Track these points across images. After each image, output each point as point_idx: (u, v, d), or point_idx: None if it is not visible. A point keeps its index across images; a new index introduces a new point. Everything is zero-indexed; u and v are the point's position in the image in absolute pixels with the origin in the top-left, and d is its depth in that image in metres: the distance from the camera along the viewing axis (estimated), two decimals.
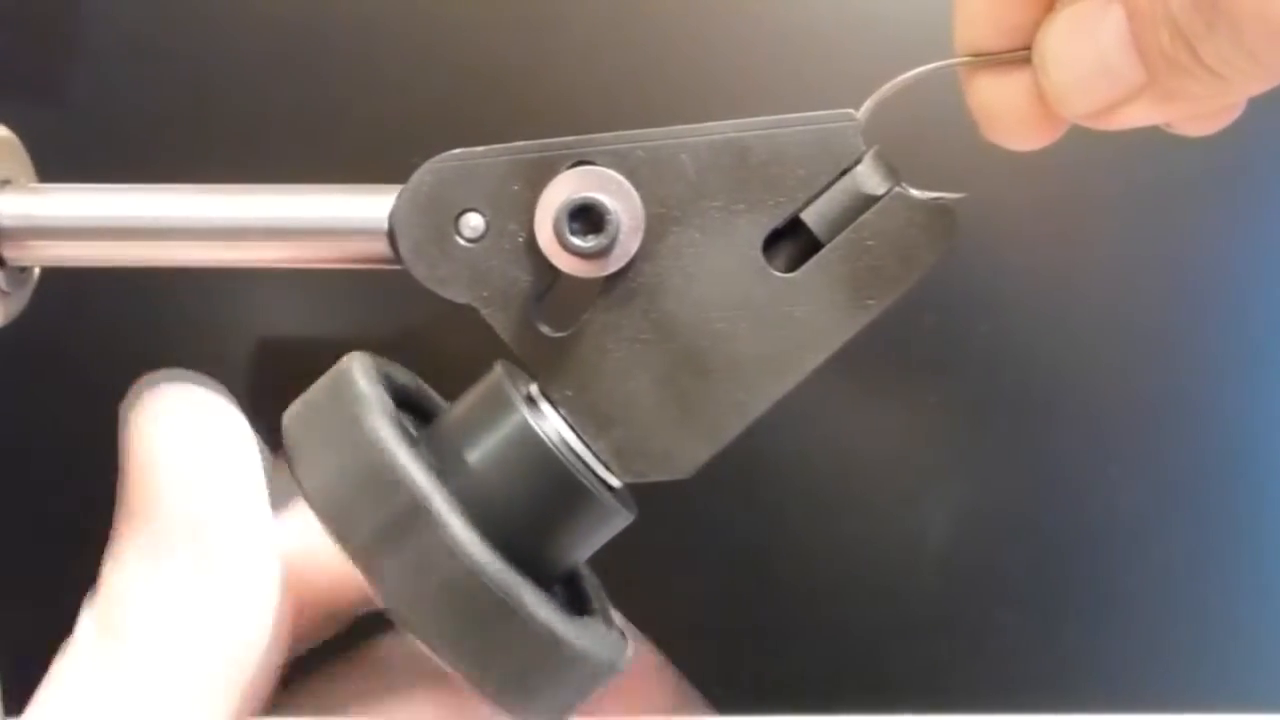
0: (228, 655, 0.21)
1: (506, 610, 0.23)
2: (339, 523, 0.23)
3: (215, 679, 0.21)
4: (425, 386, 0.28)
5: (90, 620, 0.22)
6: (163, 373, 0.23)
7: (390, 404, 0.25)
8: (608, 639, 0.25)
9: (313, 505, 0.24)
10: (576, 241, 0.24)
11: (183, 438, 0.22)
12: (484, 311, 0.25)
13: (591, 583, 0.29)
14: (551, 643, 0.23)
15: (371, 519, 0.23)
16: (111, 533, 0.22)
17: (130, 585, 0.22)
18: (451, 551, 0.23)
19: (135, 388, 0.23)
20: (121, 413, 0.22)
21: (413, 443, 0.25)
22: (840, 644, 0.42)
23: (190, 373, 0.24)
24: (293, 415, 0.25)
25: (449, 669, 0.23)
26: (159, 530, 0.22)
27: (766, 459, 0.41)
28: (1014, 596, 0.42)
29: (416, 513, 0.23)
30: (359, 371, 0.25)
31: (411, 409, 0.27)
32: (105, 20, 0.39)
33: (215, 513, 0.22)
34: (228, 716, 0.21)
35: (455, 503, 0.23)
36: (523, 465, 0.24)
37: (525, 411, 0.25)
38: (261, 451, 0.24)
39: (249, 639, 0.22)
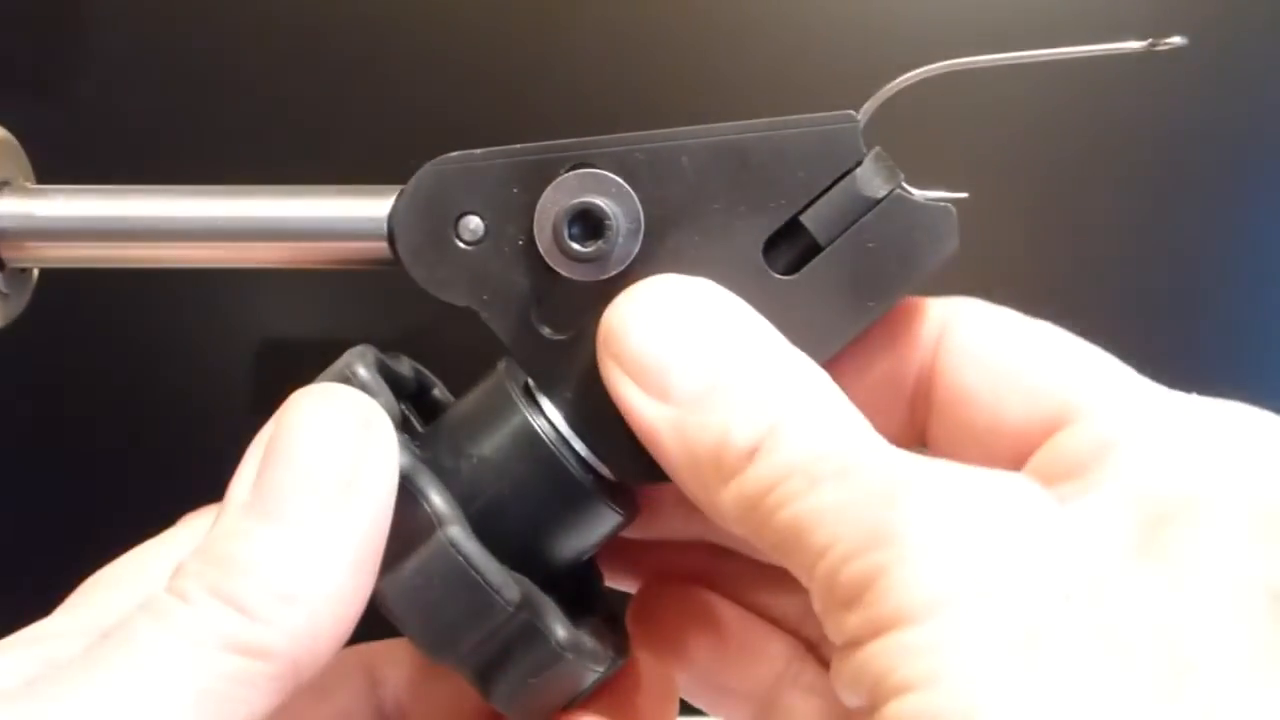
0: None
1: (486, 599, 0.23)
2: None
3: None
4: (428, 374, 0.28)
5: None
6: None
7: (393, 400, 0.25)
8: (602, 641, 0.26)
9: None
10: (576, 247, 0.24)
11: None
12: (483, 314, 0.25)
13: (599, 584, 0.29)
14: (537, 638, 0.23)
15: None
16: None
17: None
18: (433, 531, 0.23)
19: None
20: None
21: (414, 437, 0.25)
22: None
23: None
24: None
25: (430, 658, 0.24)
26: None
27: None
28: None
29: (410, 504, 0.23)
30: (361, 368, 0.24)
31: (414, 400, 0.27)
32: (105, 22, 0.39)
33: None
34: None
35: (450, 497, 0.23)
36: (522, 463, 0.24)
37: (526, 411, 0.25)
38: None
39: None
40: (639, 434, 0.23)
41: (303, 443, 0.22)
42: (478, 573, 0.23)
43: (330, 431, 0.22)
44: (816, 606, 0.20)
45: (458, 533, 0.23)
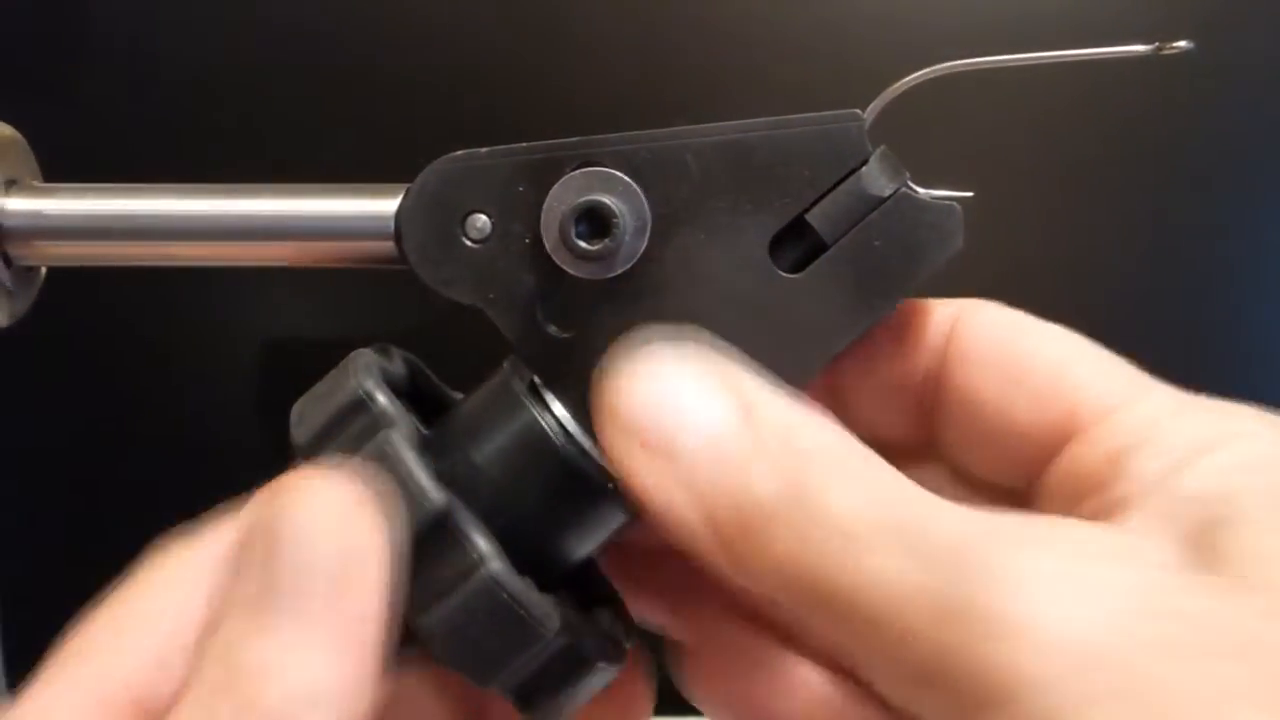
0: None
1: (532, 631, 0.23)
2: None
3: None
4: (415, 360, 0.28)
5: None
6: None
7: (409, 419, 0.24)
8: (615, 637, 0.26)
9: None
10: (583, 245, 0.24)
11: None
12: (489, 313, 0.25)
13: (604, 583, 0.29)
14: (576, 657, 0.24)
15: None
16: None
17: None
18: (475, 569, 0.23)
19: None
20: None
21: (424, 444, 0.25)
22: None
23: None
24: (298, 419, 0.25)
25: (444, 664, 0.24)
26: None
27: None
28: None
29: (435, 525, 0.23)
30: (380, 394, 0.24)
31: (412, 398, 0.27)
32: (111, 21, 0.39)
33: None
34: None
35: (483, 527, 0.23)
36: (531, 463, 0.24)
37: (533, 409, 0.25)
38: None
39: None
40: (651, 508, 0.21)
41: (292, 540, 0.21)
42: (522, 607, 0.23)
43: (317, 527, 0.21)
44: (879, 684, 0.19)
45: (500, 569, 0.23)
